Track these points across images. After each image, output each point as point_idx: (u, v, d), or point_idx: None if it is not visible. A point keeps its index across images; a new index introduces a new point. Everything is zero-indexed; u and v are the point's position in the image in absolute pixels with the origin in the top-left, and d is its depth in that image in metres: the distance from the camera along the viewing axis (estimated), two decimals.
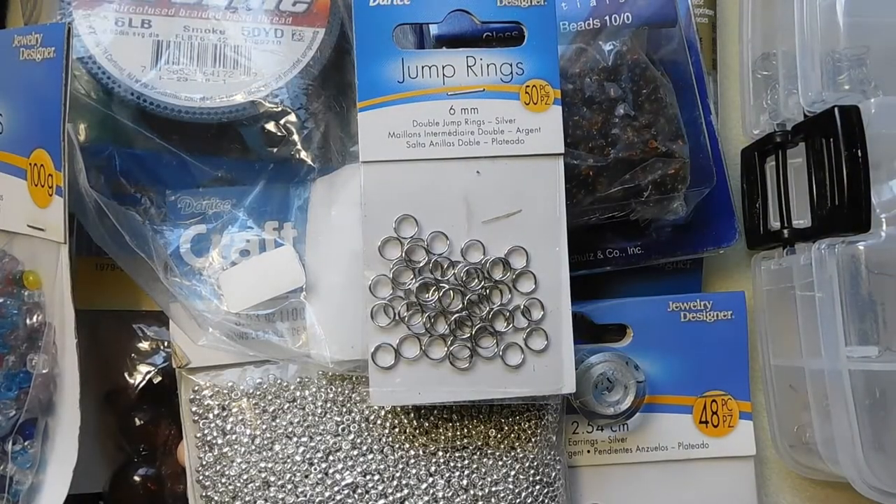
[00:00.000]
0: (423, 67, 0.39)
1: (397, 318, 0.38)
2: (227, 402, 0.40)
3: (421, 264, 0.38)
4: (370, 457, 0.40)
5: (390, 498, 0.39)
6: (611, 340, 0.46)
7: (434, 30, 0.44)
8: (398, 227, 0.38)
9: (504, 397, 0.39)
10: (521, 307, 0.39)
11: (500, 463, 0.41)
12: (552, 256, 0.39)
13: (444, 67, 0.39)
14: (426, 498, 0.40)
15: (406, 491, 0.40)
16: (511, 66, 0.39)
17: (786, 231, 0.46)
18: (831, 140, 0.41)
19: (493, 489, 0.41)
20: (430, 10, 0.39)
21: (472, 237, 0.39)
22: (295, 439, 0.40)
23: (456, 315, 0.38)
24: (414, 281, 0.38)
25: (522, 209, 0.39)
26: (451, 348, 0.38)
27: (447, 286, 0.38)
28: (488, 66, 0.39)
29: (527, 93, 0.39)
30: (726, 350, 0.47)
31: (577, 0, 0.44)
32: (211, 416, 0.40)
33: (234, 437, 0.40)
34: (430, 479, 0.40)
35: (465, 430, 0.41)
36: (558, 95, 0.39)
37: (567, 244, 0.39)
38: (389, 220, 0.38)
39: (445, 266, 0.39)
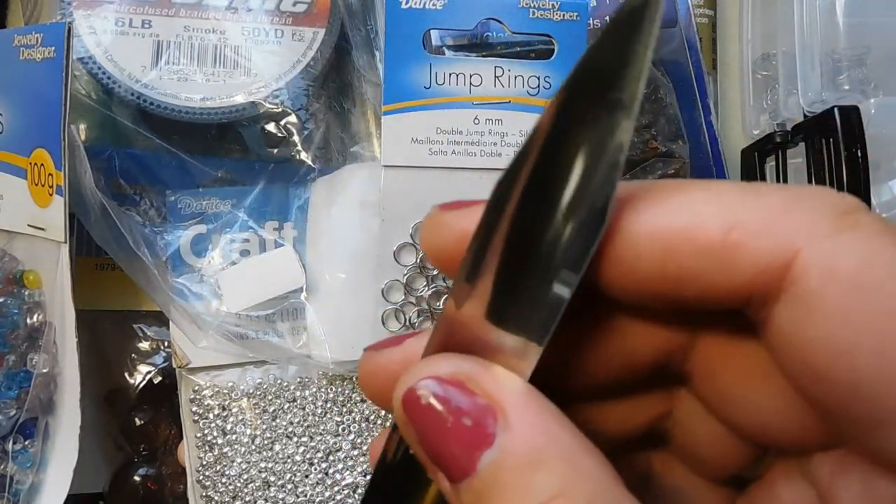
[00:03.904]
0: (450, 75, 0.38)
1: (408, 323, 0.38)
2: (227, 402, 0.40)
3: (434, 272, 0.39)
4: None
5: None
6: None
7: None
8: (415, 233, 0.38)
9: None
10: None
11: None
12: None
13: (471, 76, 0.38)
14: None
15: None
16: (539, 79, 0.39)
17: None
18: (831, 140, 0.41)
19: None
20: (462, 17, 0.39)
21: None
22: (295, 439, 0.40)
23: None
24: (427, 288, 0.38)
25: None
26: None
27: None
28: (516, 77, 0.39)
29: None
30: None
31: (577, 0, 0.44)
32: (211, 416, 0.40)
33: (234, 437, 0.40)
34: None
35: None
36: None
37: None
38: (407, 226, 0.38)
39: None
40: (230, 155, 0.43)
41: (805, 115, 0.44)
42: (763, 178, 0.48)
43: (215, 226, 0.41)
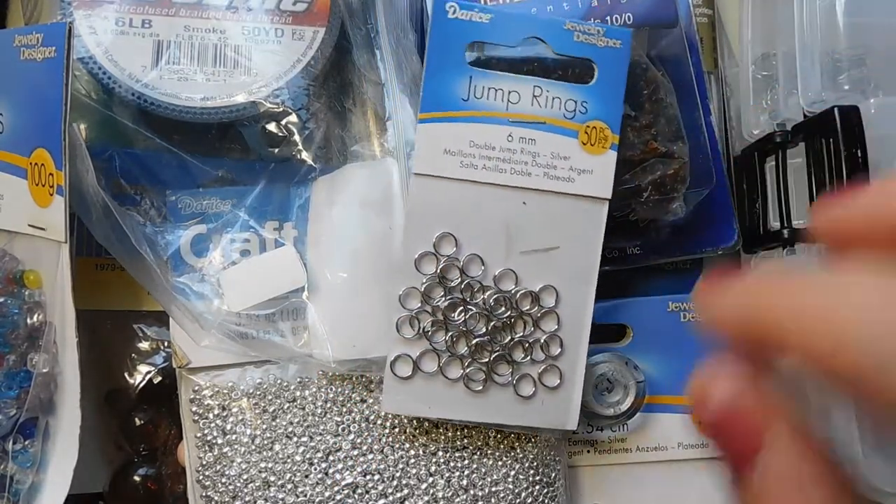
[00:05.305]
0: (489, 89, 0.38)
1: (421, 331, 0.39)
2: (227, 402, 0.40)
3: (453, 283, 0.39)
4: (370, 457, 0.40)
5: (390, 498, 0.39)
6: (611, 340, 0.46)
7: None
8: (438, 243, 0.39)
9: (510, 424, 0.40)
10: (542, 342, 0.39)
11: (500, 463, 0.41)
12: (580, 298, 0.40)
13: (510, 93, 0.38)
14: (426, 498, 0.40)
15: (406, 491, 0.40)
16: (576, 102, 0.39)
17: (786, 231, 0.46)
18: (831, 140, 0.41)
19: (493, 489, 0.41)
20: (507, 33, 0.39)
21: (508, 266, 0.39)
22: (295, 439, 0.40)
23: (478, 339, 0.39)
24: (444, 299, 0.39)
25: (560, 246, 0.39)
26: (468, 370, 0.39)
27: (475, 309, 0.39)
28: (553, 99, 0.39)
29: (586, 133, 0.39)
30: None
31: (577, 0, 0.44)
32: (211, 416, 0.40)
33: (234, 436, 0.40)
34: (430, 479, 0.40)
35: (465, 430, 0.41)
36: (616, 140, 0.39)
37: (596, 286, 0.40)
38: (430, 235, 0.39)
39: (476, 289, 0.39)
40: (231, 155, 0.43)
41: (805, 115, 0.44)
42: (763, 179, 0.48)
43: (216, 226, 0.41)
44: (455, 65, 0.38)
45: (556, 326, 0.40)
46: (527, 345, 0.39)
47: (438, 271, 0.39)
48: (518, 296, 0.39)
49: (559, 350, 0.40)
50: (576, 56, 0.39)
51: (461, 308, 0.39)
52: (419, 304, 0.39)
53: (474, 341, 0.39)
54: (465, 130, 0.38)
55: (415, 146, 0.38)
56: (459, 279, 0.39)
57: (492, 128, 0.38)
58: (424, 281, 0.39)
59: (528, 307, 0.39)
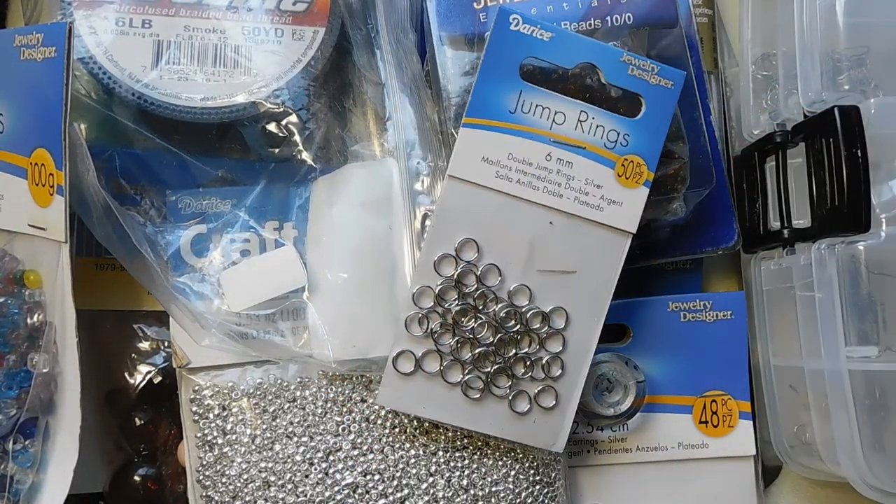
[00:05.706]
0: (536, 106, 0.39)
1: (429, 331, 0.39)
2: (227, 402, 0.40)
3: (468, 289, 0.39)
4: (370, 457, 0.40)
5: (390, 498, 0.39)
6: (611, 340, 0.46)
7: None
8: (460, 247, 0.39)
9: (500, 437, 0.40)
10: (544, 361, 0.40)
11: (500, 463, 0.41)
12: (589, 325, 0.40)
13: (556, 113, 0.39)
14: (426, 498, 0.40)
15: (406, 491, 0.40)
16: (618, 134, 0.39)
17: (786, 231, 0.46)
18: (831, 140, 0.41)
19: (493, 489, 0.41)
20: (564, 55, 0.39)
21: (524, 281, 0.39)
22: (295, 439, 0.40)
23: (483, 348, 0.39)
24: (457, 303, 0.39)
25: (578, 271, 0.39)
26: (468, 377, 0.39)
27: (484, 318, 0.39)
28: (598, 127, 0.39)
29: (623, 165, 0.39)
30: (726, 350, 0.47)
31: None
32: (211, 415, 0.40)
33: (234, 436, 0.40)
34: (431, 479, 0.40)
35: (466, 430, 0.41)
36: (650, 178, 0.39)
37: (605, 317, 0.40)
38: (454, 238, 0.39)
39: (489, 299, 0.39)
40: (231, 155, 0.43)
41: (805, 115, 0.44)
42: (763, 179, 0.48)
43: (216, 226, 0.41)
44: (508, 76, 0.38)
45: (561, 349, 0.40)
46: (529, 362, 0.40)
47: (456, 275, 0.39)
48: (529, 313, 0.39)
49: (560, 372, 0.40)
50: (626, 88, 0.39)
51: (472, 315, 0.39)
52: (431, 304, 0.39)
53: (479, 350, 0.39)
54: (506, 142, 0.38)
55: (454, 149, 0.38)
56: (475, 286, 0.39)
57: (533, 144, 0.39)
58: (440, 282, 0.39)
59: (537, 326, 0.39)
